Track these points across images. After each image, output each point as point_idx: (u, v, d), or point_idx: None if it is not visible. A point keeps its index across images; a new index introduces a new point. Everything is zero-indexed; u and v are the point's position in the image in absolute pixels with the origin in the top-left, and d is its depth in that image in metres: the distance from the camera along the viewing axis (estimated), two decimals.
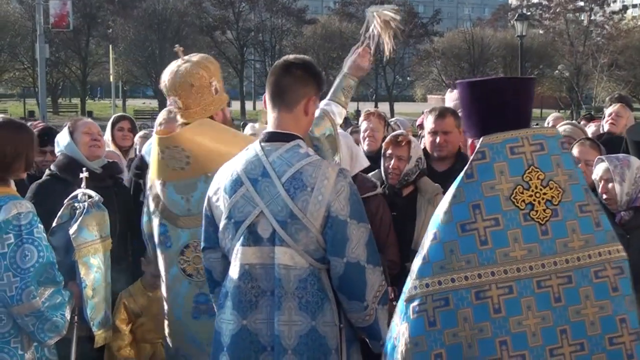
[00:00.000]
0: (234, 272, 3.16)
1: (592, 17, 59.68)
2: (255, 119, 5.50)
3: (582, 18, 60.36)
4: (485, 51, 57.13)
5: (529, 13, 59.77)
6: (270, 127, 3.21)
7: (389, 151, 4.87)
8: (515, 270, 2.74)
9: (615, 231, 3.08)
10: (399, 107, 55.08)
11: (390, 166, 4.83)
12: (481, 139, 2.86)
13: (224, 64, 60.33)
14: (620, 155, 4.59)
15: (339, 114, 4.19)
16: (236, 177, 3.17)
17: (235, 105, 57.06)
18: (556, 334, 2.74)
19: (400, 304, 2.83)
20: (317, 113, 3.74)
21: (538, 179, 2.82)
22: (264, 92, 3.61)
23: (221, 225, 3.22)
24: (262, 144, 3.17)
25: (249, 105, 59.16)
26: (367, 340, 3.27)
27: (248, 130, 5.49)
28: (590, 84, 54.80)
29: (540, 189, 2.81)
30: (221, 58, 59.16)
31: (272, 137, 3.16)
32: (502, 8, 77.17)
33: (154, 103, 56.86)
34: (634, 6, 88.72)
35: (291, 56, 3.30)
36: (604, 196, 4.30)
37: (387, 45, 4.27)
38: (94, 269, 4.03)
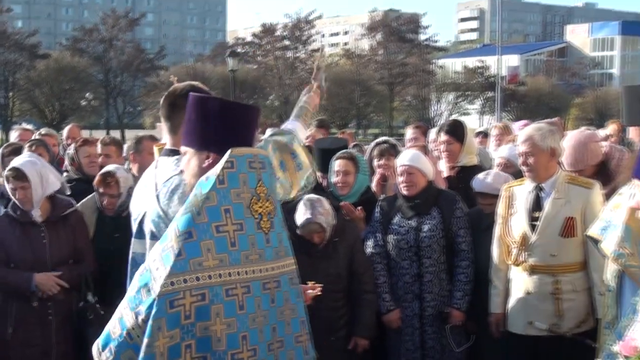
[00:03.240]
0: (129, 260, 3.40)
1: (297, 55, 64.02)
2: None
3: (289, 55, 63.91)
4: (206, 83, 54.31)
5: (243, 51, 63.15)
6: (168, 145, 3.47)
7: (101, 190, 5.22)
8: (252, 272, 2.91)
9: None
10: (130, 133, 54.16)
11: (104, 203, 5.23)
12: (230, 150, 2.96)
13: None
14: None
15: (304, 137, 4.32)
16: (140, 182, 3.52)
17: None
18: (270, 332, 2.95)
19: (146, 300, 2.81)
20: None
21: (264, 193, 3.00)
22: None
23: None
24: (160, 156, 3.47)
25: None
26: None
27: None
28: None
29: (265, 202, 3.00)
30: None
31: (165, 152, 3.45)
32: (220, 46, 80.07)
33: None
34: (331, 45, 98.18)
35: (180, 85, 3.52)
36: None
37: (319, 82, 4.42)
38: None
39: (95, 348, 2.95)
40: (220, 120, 3.06)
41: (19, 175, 4.79)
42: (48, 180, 4.88)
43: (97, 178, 5.27)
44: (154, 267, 2.85)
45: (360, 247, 5.16)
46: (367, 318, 5.06)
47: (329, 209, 4.96)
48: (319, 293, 3.77)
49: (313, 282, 3.84)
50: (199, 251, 2.82)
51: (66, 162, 6.56)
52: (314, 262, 4.84)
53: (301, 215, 4.92)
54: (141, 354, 2.75)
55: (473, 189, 5.39)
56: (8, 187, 4.89)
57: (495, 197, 5.08)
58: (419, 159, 5.20)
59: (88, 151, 6.18)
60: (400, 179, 5.22)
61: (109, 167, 5.43)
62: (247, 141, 3.08)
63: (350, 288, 5.08)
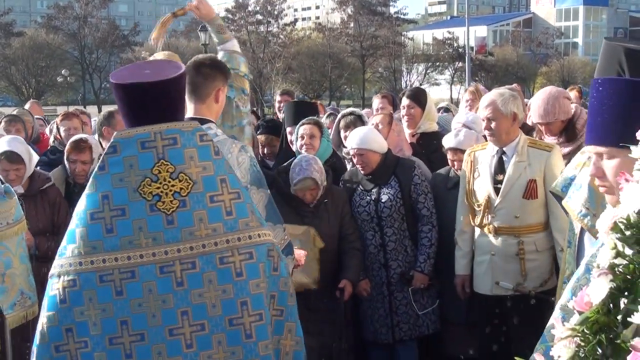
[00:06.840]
0: None
1: (269, 29, 64.17)
2: None
3: (261, 29, 63.84)
4: (180, 58, 59.12)
5: None
6: (189, 115, 3.49)
7: (73, 157, 5.18)
8: (139, 256, 2.80)
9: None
10: (107, 109, 53.09)
11: (76, 170, 5.19)
12: (114, 133, 2.91)
13: None
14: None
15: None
16: None
17: None
18: (176, 315, 2.82)
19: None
20: (223, 55, 3.99)
21: (167, 171, 2.84)
22: None
23: None
24: None
25: None
26: None
27: None
28: (269, 85, 57.75)
29: (169, 182, 2.84)
30: None
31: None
32: (194, 22, 76.07)
33: None
34: (303, 19, 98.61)
35: (200, 56, 3.62)
36: None
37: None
38: (0, 254, 4.07)
39: None
40: (120, 101, 2.96)
41: (13, 158, 4.92)
42: (33, 157, 5.05)
43: (68, 146, 5.33)
44: None
45: (348, 209, 5.22)
46: (355, 265, 5.11)
47: (322, 168, 5.04)
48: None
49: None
50: (74, 238, 2.86)
51: (50, 137, 6.93)
52: (305, 223, 4.96)
53: (296, 172, 4.98)
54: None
55: (444, 147, 5.45)
56: None
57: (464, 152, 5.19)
58: (367, 139, 5.21)
59: (68, 124, 6.37)
60: (354, 160, 5.35)
61: (81, 135, 5.57)
62: (151, 118, 2.91)
63: (339, 249, 5.16)
